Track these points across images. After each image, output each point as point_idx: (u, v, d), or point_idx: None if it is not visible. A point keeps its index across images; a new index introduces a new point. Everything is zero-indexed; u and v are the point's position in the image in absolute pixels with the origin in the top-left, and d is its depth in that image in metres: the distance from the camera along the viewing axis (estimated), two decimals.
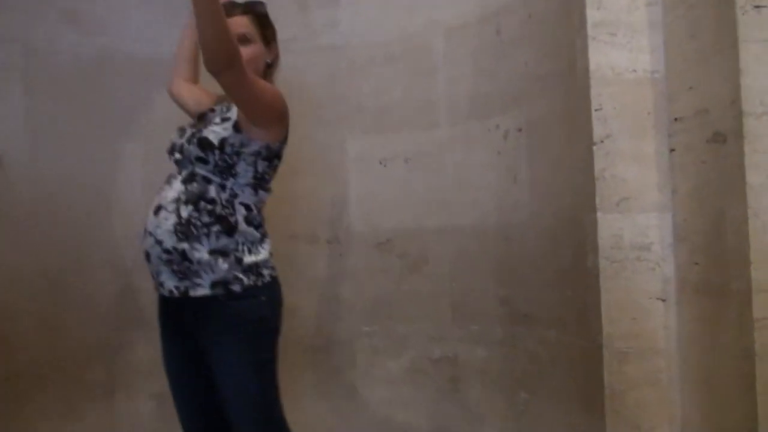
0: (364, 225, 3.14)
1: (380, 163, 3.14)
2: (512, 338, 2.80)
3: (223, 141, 2.11)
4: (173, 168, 2.21)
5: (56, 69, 2.87)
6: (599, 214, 2.23)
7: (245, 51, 2.12)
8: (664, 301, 2.19)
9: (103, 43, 2.95)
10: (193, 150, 2.13)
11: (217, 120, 2.18)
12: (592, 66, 2.24)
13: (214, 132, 2.12)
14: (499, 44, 2.84)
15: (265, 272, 2.14)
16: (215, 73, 1.93)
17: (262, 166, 2.16)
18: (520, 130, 2.76)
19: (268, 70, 2.30)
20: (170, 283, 2.11)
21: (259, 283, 2.12)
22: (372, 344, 3.13)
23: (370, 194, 3.14)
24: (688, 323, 2.14)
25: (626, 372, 2.16)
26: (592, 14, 2.25)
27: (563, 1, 2.47)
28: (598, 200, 2.23)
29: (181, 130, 2.25)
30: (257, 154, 2.14)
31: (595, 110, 2.24)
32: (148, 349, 2.94)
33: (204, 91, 2.44)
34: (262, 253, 2.15)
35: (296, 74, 2.77)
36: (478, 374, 2.94)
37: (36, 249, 2.75)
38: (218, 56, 1.91)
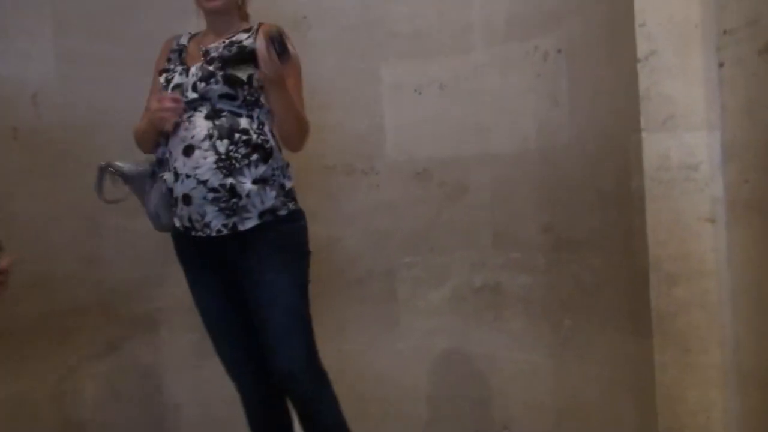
0: (401, 154, 3.09)
1: (415, 90, 3.06)
2: (555, 264, 2.76)
3: (250, 77, 2.15)
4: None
5: (87, 6, 2.82)
6: (644, 134, 2.14)
7: None
8: (713, 221, 2.11)
9: None
10: (218, 88, 2.13)
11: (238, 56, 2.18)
12: None
13: (240, 69, 2.15)
14: None
15: (296, 198, 2.23)
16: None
17: None
18: (559, 50, 2.67)
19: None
20: (217, 222, 2.12)
21: (296, 208, 2.23)
22: (412, 275, 3.11)
23: (405, 123, 3.07)
24: (739, 243, 2.07)
25: (675, 295, 2.10)
26: None
27: None
28: (642, 120, 2.14)
29: (183, 71, 2.23)
30: None
31: (639, 26, 2.14)
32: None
33: (156, 85, 2.37)
34: (292, 179, 2.24)
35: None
36: (521, 302, 2.91)
37: (72, 187, 2.74)
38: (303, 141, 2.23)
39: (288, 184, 2.21)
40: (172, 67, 2.28)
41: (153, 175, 2.22)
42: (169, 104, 2.12)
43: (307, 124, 2.26)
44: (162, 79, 2.26)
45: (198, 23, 2.46)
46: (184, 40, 2.37)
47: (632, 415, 2.35)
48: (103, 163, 2.23)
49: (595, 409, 2.58)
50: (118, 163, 2.21)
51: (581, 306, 2.63)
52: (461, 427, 3.06)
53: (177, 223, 2.19)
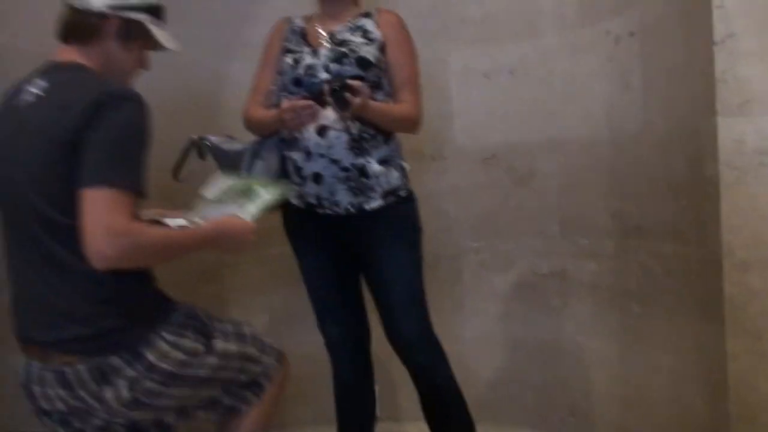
0: (469, 139, 3.09)
1: (484, 75, 3.06)
2: (624, 251, 2.73)
3: (377, 59, 2.27)
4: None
5: None
6: (719, 119, 2.10)
7: None
8: None
9: None
10: (349, 69, 2.22)
11: (362, 40, 2.29)
12: None
13: (369, 52, 2.26)
14: None
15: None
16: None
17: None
18: (632, 34, 2.63)
19: None
20: (345, 201, 2.23)
21: (411, 188, 2.34)
22: (479, 260, 3.12)
23: (474, 108, 3.08)
24: None
25: (748, 282, 2.07)
26: None
27: None
28: (718, 104, 2.10)
29: (311, 52, 2.29)
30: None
31: (716, 7, 2.10)
32: (260, 269, 3.04)
33: (267, 64, 2.42)
34: (405, 160, 2.34)
35: None
36: (588, 288, 2.89)
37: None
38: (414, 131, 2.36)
39: (405, 165, 2.33)
40: (296, 48, 2.34)
41: (255, 153, 2.28)
42: (307, 111, 2.17)
43: (411, 120, 2.33)
44: (290, 60, 2.31)
45: None
46: (300, 22, 2.43)
47: (701, 405, 2.31)
48: (196, 136, 2.26)
49: (662, 398, 2.55)
50: (213, 138, 2.26)
51: (650, 293, 2.60)
52: (525, 413, 3.06)
53: (296, 201, 2.27)
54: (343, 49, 2.26)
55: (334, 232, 2.30)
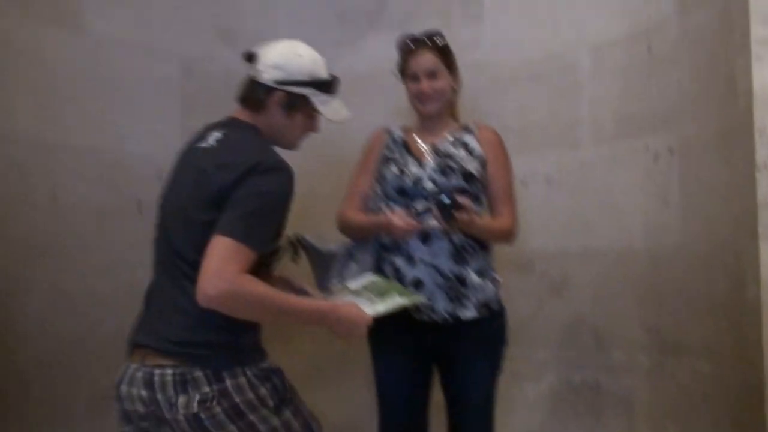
0: (505, 245, 3.09)
1: (521, 182, 3.07)
2: (660, 368, 2.69)
3: (480, 174, 2.35)
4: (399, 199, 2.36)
5: (211, 86, 2.94)
6: (762, 244, 2.10)
7: (435, 84, 2.39)
8: None
9: None
10: (454, 182, 2.31)
11: (465, 154, 2.38)
12: (756, 86, 2.13)
13: (473, 166, 2.35)
14: (650, 62, 2.75)
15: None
16: None
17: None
18: (671, 151, 2.65)
19: (454, 93, 2.47)
20: (443, 308, 2.28)
21: (502, 303, 2.38)
22: (511, 367, 3.03)
23: None
24: None
25: None
26: (756, 30, 2.13)
27: (723, 17, 2.36)
28: (761, 228, 2.10)
29: (416, 163, 2.37)
30: None
31: (759, 132, 2.12)
32: None
33: (366, 170, 2.52)
34: (496, 271, 2.40)
35: None
36: (621, 404, 2.83)
37: None
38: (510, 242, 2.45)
39: (499, 278, 2.38)
40: (399, 158, 2.42)
41: (349, 255, 2.33)
42: (412, 226, 2.23)
43: (509, 232, 2.41)
44: (395, 169, 2.39)
45: None
46: (399, 133, 2.52)
47: None
48: (292, 234, 2.29)
49: None
50: (308, 237, 2.31)
51: (687, 414, 2.55)
52: None
53: None
54: (450, 163, 2.34)
55: (422, 337, 2.32)
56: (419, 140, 2.45)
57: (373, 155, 2.49)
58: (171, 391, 1.82)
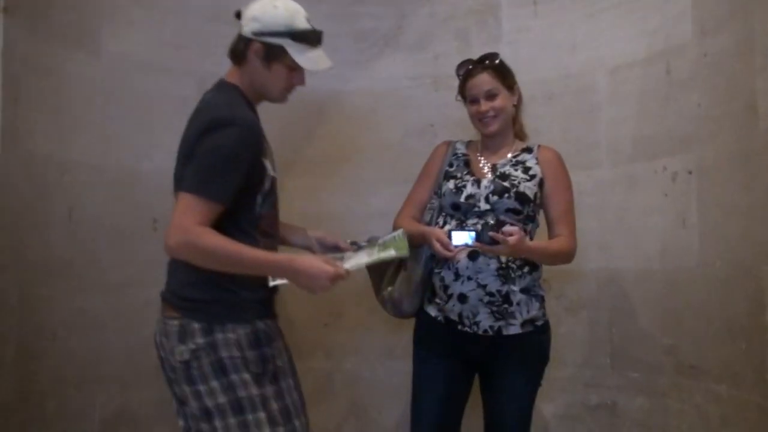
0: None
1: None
2: (677, 390, 2.67)
3: (535, 195, 2.39)
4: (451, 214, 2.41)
5: None
6: None
7: (495, 104, 2.43)
8: None
9: None
10: (508, 202, 2.34)
11: (523, 175, 2.41)
12: None
13: (528, 187, 2.38)
14: (669, 84, 2.74)
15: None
16: None
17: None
18: (690, 172, 2.64)
19: (516, 110, 2.50)
20: (486, 323, 2.32)
21: (547, 318, 2.42)
22: None
23: None
24: None
25: None
26: None
27: (743, 40, 2.36)
28: None
29: (474, 182, 2.40)
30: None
31: None
32: None
33: (426, 180, 2.56)
34: (545, 289, 2.43)
35: (457, 110, 2.75)
36: (638, 425, 2.82)
37: None
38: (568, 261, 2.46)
39: (545, 295, 2.42)
40: (459, 174, 2.46)
41: (401, 262, 2.41)
42: (445, 256, 2.27)
43: (567, 253, 2.43)
44: (451, 185, 2.42)
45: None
46: (462, 148, 2.56)
47: None
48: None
49: None
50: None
51: None
52: None
53: (435, 313, 2.39)
54: (505, 184, 2.37)
55: (466, 349, 2.37)
56: (482, 158, 2.49)
57: (433, 167, 2.55)
58: (174, 340, 2.00)
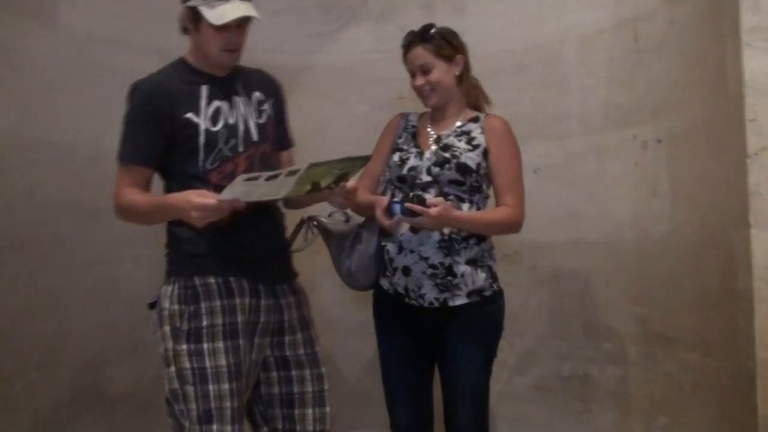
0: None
1: None
2: (649, 359, 2.68)
3: (478, 165, 2.32)
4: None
5: None
6: (753, 231, 2.09)
7: (430, 78, 2.36)
8: None
9: None
10: (449, 174, 2.30)
11: (465, 146, 2.35)
12: (747, 74, 2.11)
13: (470, 158, 2.32)
14: (637, 52, 2.73)
15: (498, 278, 2.37)
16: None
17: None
18: (660, 141, 2.64)
19: (460, 79, 2.42)
20: (431, 296, 2.30)
21: (498, 289, 2.38)
22: (498, 359, 3.02)
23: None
24: None
25: None
26: (747, 19, 2.12)
27: (711, 6, 2.35)
28: (752, 217, 2.09)
29: (417, 154, 2.36)
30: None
31: (750, 120, 2.11)
32: None
33: (379, 153, 2.49)
34: (496, 260, 2.40)
35: None
36: (611, 395, 2.82)
37: None
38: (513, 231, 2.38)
39: (494, 266, 2.37)
40: (406, 147, 2.43)
41: (357, 236, 2.38)
42: (391, 222, 2.22)
43: (508, 224, 2.35)
44: (396, 158, 2.40)
45: None
46: (414, 120, 2.51)
47: None
48: (306, 216, 2.38)
49: None
50: (321, 218, 2.39)
51: (676, 405, 2.54)
52: None
53: (387, 286, 2.38)
54: (446, 154, 2.33)
55: (417, 320, 2.36)
56: (430, 130, 2.44)
57: (386, 139, 2.50)
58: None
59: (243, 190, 1.90)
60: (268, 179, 1.89)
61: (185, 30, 2.14)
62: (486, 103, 2.51)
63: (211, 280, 2.04)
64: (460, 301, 2.30)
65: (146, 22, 2.92)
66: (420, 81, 2.39)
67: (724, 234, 2.27)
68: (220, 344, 2.00)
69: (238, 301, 2.05)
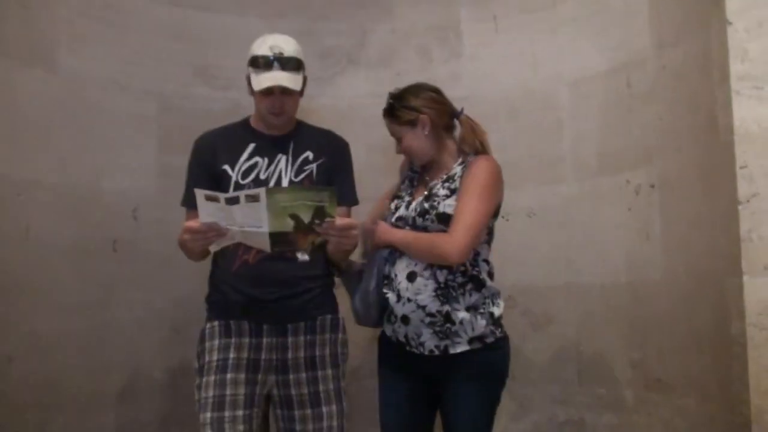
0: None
1: (503, 217, 3.05)
2: (645, 404, 2.66)
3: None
4: None
5: (188, 123, 2.87)
6: (746, 278, 2.09)
7: (404, 146, 2.44)
8: None
9: (233, 97, 2.97)
10: (431, 224, 2.31)
11: (444, 192, 2.34)
12: (737, 121, 2.14)
13: (448, 205, 2.31)
14: (630, 97, 2.76)
15: (503, 324, 2.37)
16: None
17: (491, 222, 2.40)
18: (653, 186, 2.65)
19: (444, 131, 2.45)
20: (431, 344, 2.30)
21: (502, 335, 2.37)
22: None
23: (492, 248, 3.06)
24: None
25: None
26: (736, 67, 2.15)
27: (702, 53, 2.37)
28: (744, 263, 2.10)
29: (407, 204, 2.41)
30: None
31: (740, 168, 2.12)
32: None
33: (381, 204, 2.60)
34: (501, 305, 2.38)
35: None
36: None
37: (167, 297, 2.86)
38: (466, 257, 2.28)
39: (497, 312, 2.35)
40: (402, 194, 2.49)
41: (359, 276, 2.42)
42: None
43: (437, 253, 2.27)
44: (392, 206, 2.47)
45: None
46: (417, 167, 2.54)
47: None
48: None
49: None
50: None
51: None
52: None
53: (390, 333, 2.40)
54: (426, 205, 2.34)
55: (419, 368, 2.36)
56: (427, 176, 2.47)
57: (397, 182, 2.61)
58: None
59: (221, 214, 2.01)
60: (228, 201, 1.98)
61: (251, 92, 2.42)
62: (481, 148, 2.47)
63: (215, 323, 2.34)
64: (462, 348, 2.29)
65: (144, 65, 2.97)
66: (399, 149, 2.49)
67: (717, 279, 2.27)
68: (210, 378, 2.27)
69: (233, 340, 2.31)
